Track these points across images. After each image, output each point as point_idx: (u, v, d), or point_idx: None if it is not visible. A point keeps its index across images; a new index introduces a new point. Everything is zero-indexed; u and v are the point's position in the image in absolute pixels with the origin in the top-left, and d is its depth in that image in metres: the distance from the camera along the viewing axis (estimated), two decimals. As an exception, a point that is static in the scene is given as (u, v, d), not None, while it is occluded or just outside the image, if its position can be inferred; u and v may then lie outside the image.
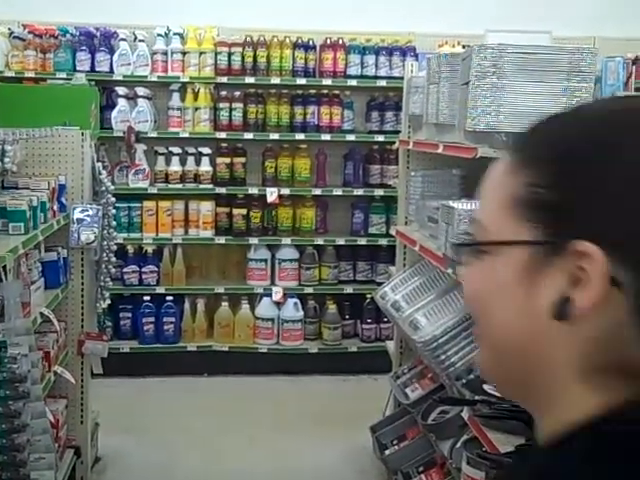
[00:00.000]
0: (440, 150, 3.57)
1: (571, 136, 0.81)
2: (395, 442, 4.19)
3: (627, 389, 0.76)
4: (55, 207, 3.95)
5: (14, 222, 3.39)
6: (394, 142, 4.87)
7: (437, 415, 3.70)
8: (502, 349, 0.82)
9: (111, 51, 5.97)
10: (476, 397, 2.81)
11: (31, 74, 5.85)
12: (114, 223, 4.54)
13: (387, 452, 4.20)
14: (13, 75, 5.84)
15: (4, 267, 2.90)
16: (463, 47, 4.76)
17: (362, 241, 6.26)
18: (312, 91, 6.21)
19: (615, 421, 0.75)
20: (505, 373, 0.84)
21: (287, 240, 6.16)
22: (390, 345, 4.93)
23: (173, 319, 6.04)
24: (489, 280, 0.82)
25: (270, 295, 6.12)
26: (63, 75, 5.77)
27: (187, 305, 6.14)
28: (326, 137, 6.12)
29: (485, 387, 2.85)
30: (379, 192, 6.22)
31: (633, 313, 0.74)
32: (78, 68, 5.85)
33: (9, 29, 5.96)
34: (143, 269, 6.03)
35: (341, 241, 6.24)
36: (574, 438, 0.77)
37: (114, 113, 5.95)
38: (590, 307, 0.75)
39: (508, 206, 0.81)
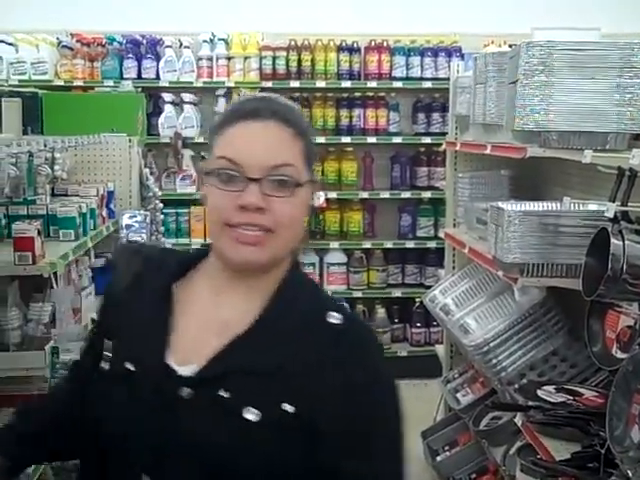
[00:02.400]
0: (488, 151, 3.52)
1: (304, 120, 1.47)
2: (446, 448, 4.14)
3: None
4: (104, 213, 3.99)
5: (64, 229, 3.43)
6: (441, 144, 4.82)
7: (489, 421, 3.64)
8: (288, 245, 1.41)
9: (157, 58, 6.01)
10: (529, 403, 2.76)
11: (79, 82, 5.92)
12: (162, 229, 4.57)
13: (438, 458, 4.15)
14: (62, 84, 5.91)
15: (55, 273, 2.93)
16: (509, 46, 4.68)
17: (410, 244, 6.21)
18: (357, 94, 6.19)
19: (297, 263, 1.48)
20: (276, 260, 1.41)
21: (335, 244, 6.14)
22: (440, 349, 4.88)
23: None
24: (299, 204, 1.40)
25: (318, 299, 6.09)
26: (110, 83, 5.83)
27: (235, 310, 6.14)
28: (372, 140, 6.09)
29: (539, 392, 2.80)
30: (427, 194, 6.17)
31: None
32: (125, 75, 5.90)
33: (58, 38, 6.04)
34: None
35: (389, 244, 6.20)
36: (298, 274, 1.48)
37: (161, 119, 5.99)
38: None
39: (302, 159, 1.40)
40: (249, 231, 1.36)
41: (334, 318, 1.38)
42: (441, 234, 4.79)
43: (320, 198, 6.02)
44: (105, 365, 1.42)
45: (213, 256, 1.46)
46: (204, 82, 6.04)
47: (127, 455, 1.35)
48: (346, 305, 1.49)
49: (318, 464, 1.32)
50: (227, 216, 1.36)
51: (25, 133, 4.37)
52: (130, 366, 1.38)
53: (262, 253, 1.37)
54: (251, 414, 1.31)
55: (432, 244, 6.11)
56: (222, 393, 1.32)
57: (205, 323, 1.41)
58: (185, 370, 1.36)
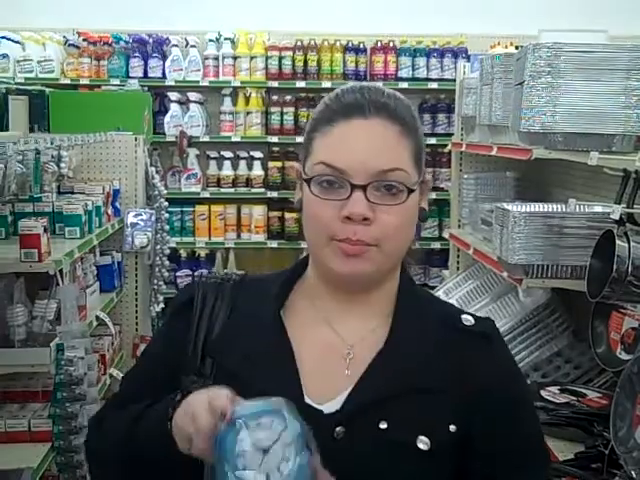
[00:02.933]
0: (494, 152, 3.52)
1: (415, 115, 1.30)
2: (449, 448, 4.15)
3: None
4: (110, 211, 4.00)
5: (70, 226, 3.45)
6: (446, 144, 4.82)
7: (492, 421, 3.65)
8: (399, 252, 1.30)
9: (163, 57, 6.03)
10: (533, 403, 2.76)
11: (86, 81, 5.94)
12: (167, 227, 4.58)
13: (441, 458, 4.15)
14: (68, 82, 5.93)
15: (60, 271, 2.94)
16: (516, 48, 4.69)
17: (415, 244, 6.20)
18: (363, 94, 6.19)
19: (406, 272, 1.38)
20: (392, 263, 1.30)
21: (339, 244, 6.13)
22: (443, 349, 4.87)
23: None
24: (408, 210, 1.26)
25: (322, 299, 6.10)
26: (117, 81, 5.85)
27: (239, 309, 6.15)
28: (377, 140, 6.09)
29: (543, 393, 2.80)
30: (431, 195, 6.16)
31: None
32: (131, 74, 5.92)
33: (64, 37, 6.06)
34: (196, 273, 6.07)
35: (393, 244, 6.19)
36: (412, 283, 1.39)
37: (167, 118, 6.00)
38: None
39: (412, 159, 1.26)
40: (355, 244, 1.22)
41: (467, 320, 1.31)
42: (446, 235, 4.79)
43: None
44: None
45: (313, 272, 1.33)
46: (210, 81, 6.06)
47: None
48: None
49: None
50: (332, 229, 1.22)
51: (32, 131, 4.39)
52: None
53: (368, 265, 1.24)
54: (423, 443, 1.20)
55: (437, 245, 6.11)
56: (382, 425, 1.20)
57: (328, 351, 1.27)
58: (329, 407, 1.22)
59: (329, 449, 1.14)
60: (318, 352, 1.27)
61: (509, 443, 1.26)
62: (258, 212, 6.12)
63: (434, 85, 6.07)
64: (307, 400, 1.22)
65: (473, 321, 1.31)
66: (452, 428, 1.22)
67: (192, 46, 6.05)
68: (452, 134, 5.07)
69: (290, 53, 6.04)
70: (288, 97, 6.11)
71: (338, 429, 1.19)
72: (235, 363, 1.26)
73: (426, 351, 1.26)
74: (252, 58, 6.06)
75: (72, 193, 3.89)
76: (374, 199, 1.22)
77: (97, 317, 3.56)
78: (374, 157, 1.22)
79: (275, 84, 6.06)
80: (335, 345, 1.27)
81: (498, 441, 1.25)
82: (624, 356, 2.65)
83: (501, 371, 1.30)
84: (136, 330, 4.22)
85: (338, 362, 1.26)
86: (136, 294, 4.22)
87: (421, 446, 1.20)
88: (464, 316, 1.31)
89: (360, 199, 1.21)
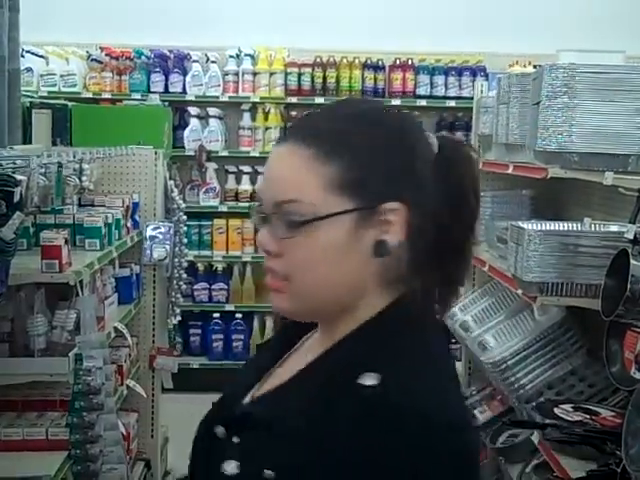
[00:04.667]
0: (510, 170, 3.54)
1: (355, 133, 1.11)
2: (463, 464, 4.14)
3: (399, 292, 1.13)
4: (129, 224, 4.04)
5: (90, 238, 3.49)
6: (463, 162, 4.84)
7: (506, 438, 3.65)
8: (330, 290, 1.12)
9: (184, 72, 6.09)
10: (547, 421, 2.77)
11: (107, 95, 6.01)
12: (185, 240, 4.61)
13: (454, 474, 4.15)
14: (90, 96, 6.02)
15: (81, 282, 2.98)
16: (534, 67, 4.72)
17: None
18: (381, 111, 6.23)
19: (392, 306, 1.12)
20: (329, 303, 1.13)
21: (355, 259, 6.16)
22: (458, 366, 4.88)
23: (242, 336, 6.10)
24: (321, 245, 1.09)
25: (337, 314, 6.12)
26: (138, 96, 5.91)
27: (256, 323, 6.19)
28: (395, 157, 6.12)
29: (556, 411, 2.81)
30: (448, 212, 6.18)
31: (410, 241, 1.10)
32: (152, 89, 5.99)
33: (87, 52, 6.15)
34: (213, 286, 6.11)
35: (409, 261, 6.21)
36: (372, 320, 1.12)
37: (186, 132, 6.07)
38: (397, 244, 1.09)
39: (331, 187, 1.08)
40: (270, 277, 1.15)
41: (369, 379, 1.04)
42: (462, 252, 4.80)
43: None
44: None
45: None
46: (230, 97, 6.12)
47: None
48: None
49: None
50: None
51: (54, 144, 4.45)
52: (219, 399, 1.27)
53: (285, 301, 1.14)
54: (231, 468, 1.09)
55: (452, 262, 6.12)
56: (234, 439, 1.13)
57: (289, 371, 1.19)
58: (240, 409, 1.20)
59: (210, 445, 1.18)
60: (285, 370, 1.21)
61: None
62: (275, 227, 6.15)
63: (452, 103, 6.10)
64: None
65: (375, 382, 1.04)
66: (268, 473, 1.05)
67: (212, 62, 6.12)
68: (469, 152, 5.09)
69: (309, 70, 6.10)
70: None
71: (219, 428, 1.17)
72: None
73: (306, 393, 1.10)
74: (272, 74, 6.12)
75: (92, 206, 3.94)
76: (280, 231, 1.10)
77: (115, 328, 3.59)
78: (270, 187, 1.13)
79: (294, 100, 6.11)
80: (295, 368, 1.18)
81: None
82: (638, 375, 2.65)
83: (351, 435, 1.02)
84: (153, 342, 4.25)
85: (280, 381, 1.19)
86: (154, 306, 4.26)
87: (228, 470, 1.10)
88: (368, 373, 1.05)
89: (263, 231, 1.14)
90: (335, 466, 1.01)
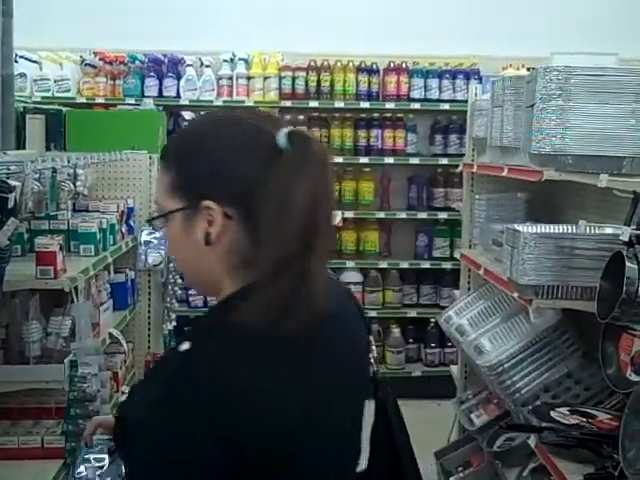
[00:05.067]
0: (505, 173, 3.54)
1: (178, 145, 1.39)
2: (460, 469, 4.15)
3: (249, 277, 1.28)
4: (124, 229, 4.03)
5: (85, 244, 3.48)
6: (458, 165, 4.85)
7: (503, 442, 3.65)
8: (191, 272, 1.39)
9: (178, 77, 6.09)
10: (543, 424, 2.76)
11: (101, 100, 6.00)
12: (180, 245, 4.60)
13: (452, 479, 4.15)
14: (84, 101, 6.00)
15: (75, 288, 2.97)
16: (528, 70, 4.72)
17: (426, 264, 6.23)
18: (375, 114, 6.24)
19: (233, 295, 1.30)
20: (197, 282, 1.42)
21: (351, 263, 6.16)
22: (454, 370, 4.88)
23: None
24: (171, 237, 1.36)
25: (333, 318, 6.12)
26: (132, 101, 5.91)
27: (251, 327, 6.18)
28: (390, 160, 6.13)
29: (553, 414, 2.81)
30: (443, 215, 6.19)
31: (243, 231, 1.29)
32: (146, 94, 5.98)
33: (81, 56, 6.14)
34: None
35: (405, 264, 6.22)
36: (219, 302, 1.33)
37: (181, 137, 6.05)
38: (218, 234, 1.29)
39: (168, 191, 1.34)
40: None
41: (185, 346, 1.24)
42: (457, 255, 4.81)
43: (336, 217, 6.06)
44: None
45: None
46: (224, 101, 6.11)
47: None
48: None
49: None
50: None
51: (48, 149, 4.44)
52: None
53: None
54: None
55: (448, 265, 6.13)
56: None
57: None
58: None
59: None
60: None
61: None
62: (270, 231, 6.14)
63: (446, 106, 6.10)
64: None
65: (187, 347, 1.25)
66: None
67: (206, 66, 6.11)
68: (463, 155, 5.10)
69: (303, 74, 6.10)
70: (301, 117, 6.16)
71: None
72: None
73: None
74: (266, 78, 6.12)
75: (87, 211, 3.93)
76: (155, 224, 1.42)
77: (110, 334, 3.58)
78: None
79: (288, 104, 6.11)
80: None
81: None
82: (634, 377, 2.65)
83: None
84: (148, 348, 4.24)
85: None
86: (149, 312, 4.25)
87: None
88: (186, 342, 1.25)
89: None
90: (148, 402, 1.23)
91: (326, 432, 1.28)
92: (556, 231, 3.20)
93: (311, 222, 1.24)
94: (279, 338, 1.23)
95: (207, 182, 1.31)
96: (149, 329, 4.26)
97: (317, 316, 1.25)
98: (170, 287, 4.37)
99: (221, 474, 1.18)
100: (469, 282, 4.56)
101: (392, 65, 6.15)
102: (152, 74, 6.06)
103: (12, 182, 2.50)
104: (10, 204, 2.43)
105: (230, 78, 6.12)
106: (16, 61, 5.05)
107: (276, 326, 1.21)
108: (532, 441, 2.82)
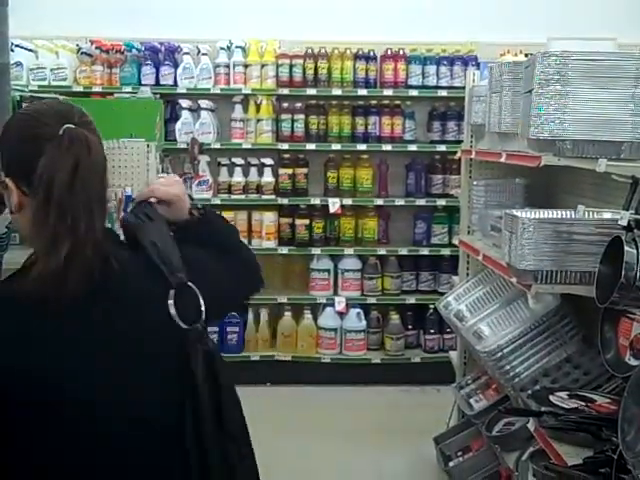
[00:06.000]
0: (503, 159, 3.55)
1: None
2: (459, 454, 4.16)
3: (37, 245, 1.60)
4: (121, 217, 4.03)
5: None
6: (456, 152, 4.85)
7: (502, 427, 3.67)
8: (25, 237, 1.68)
9: (175, 65, 6.07)
10: (542, 408, 2.78)
11: (98, 88, 5.98)
12: (178, 234, 4.59)
13: (451, 464, 4.17)
14: (81, 90, 5.98)
15: (74, 276, 2.96)
16: (525, 55, 4.71)
17: (425, 251, 6.23)
18: (373, 102, 6.22)
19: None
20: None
21: (350, 250, 6.17)
22: (453, 355, 4.90)
23: (237, 329, 6.10)
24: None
25: (333, 305, 6.14)
26: (129, 89, 5.88)
27: (250, 315, 6.19)
28: (388, 147, 6.12)
29: (552, 398, 2.82)
30: (441, 202, 6.19)
31: (37, 206, 1.55)
32: (143, 82, 5.96)
33: (77, 45, 6.12)
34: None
35: (404, 251, 6.23)
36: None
37: (178, 125, 6.05)
38: (17, 206, 1.61)
39: None
40: None
41: None
42: (455, 241, 4.82)
43: (335, 205, 6.06)
44: None
45: None
46: (221, 89, 6.10)
47: None
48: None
49: None
50: None
51: (45, 138, 4.42)
52: None
53: None
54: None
55: (446, 251, 6.13)
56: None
57: None
58: None
59: None
60: None
61: None
62: (269, 218, 6.15)
63: (444, 93, 6.09)
64: None
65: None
66: None
67: (203, 54, 6.09)
68: (461, 141, 5.10)
69: (301, 61, 6.08)
70: (298, 104, 6.15)
71: None
72: None
73: None
74: (263, 66, 6.10)
75: (85, 200, 3.92)
76: None
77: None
78: None
79: (286, 92, 6.10)
80: None
81: None
82: (633, 362, 2.66)
83: None
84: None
85: None
86: (148, 300, 4.25)
87: None
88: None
89: None
90: None
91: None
92: (555, 216, 3.20)
93: (74, 201, 1.54)
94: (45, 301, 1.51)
95: (6, 164, 1.63)
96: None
97: (87, 283, 1.52)
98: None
99: None
100: (468, 268, 4.57)
101: (389, 52, 6.13)
102: (149, 62, 6.04)
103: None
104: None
105: (227, 66, 6.10)
106: (12, 50, 5.02)
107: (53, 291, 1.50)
108: (531, 425, 2.83)
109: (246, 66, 6.11)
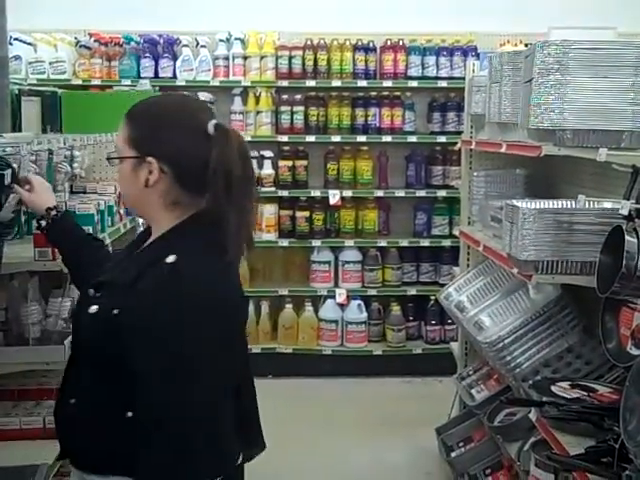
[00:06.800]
0: (503, 149, 3.54)
1: (142, 111, 1.88)
2: (461, 444, 4.17)
3: (184, 213, 1.86)
4: (122, 211, 4.02)
5: (83, 226, 3.44)
6: (456, 142, 4.83)
7: (504, 417, 3.66)
8: (132, 203, 1.98)
9: (174, 57, 6.06)
10: (544, 398, 2.77)
11: (97, 81, 5.97)
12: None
13: (453, 454, 4.17)
14: (80, 83, 5.97)
15: (74, 270, 2.95)
16: (525, 45, 4.70)
17: (425, 242, 6.23)
18: (373, 93, 6.21)
19: (183, 222, 1.86)
20: (137, 211, 2.00)
21: (350, 242, 6.16)
22: (455, 346, 4.90)
23: (237, 321, 6.10)
24: (122, 174, 1.88)
25: (334, 297, 6.14)
26: (128, 82, 5.88)
27: (251, 307, 6.18)
28: (387, 139, 6.11)
29: (553, 388, 2.82)
30: (442, 193, 6.18)
31: (172, 181, 1.83)
32: (142, 75, 5.95)
33: (76, 38, 6.11)
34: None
35: (404, 243, 6.22)
36: (168, 231, 1.86)
37: (178, 118, 6.03)
38: (155, 181, 1.82)
39: (125, 141, 1.85)
40: None
41: (170, 259, 1.76)
42: (456, 232, 4.81)
43: (335, 196, 6.05)
44: None
45: None
46: (220, 81, 6.09)
47: None
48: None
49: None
50: None
51: (44, 131, 4.42)
52: None
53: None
54: (92, 309, 1.84)
55: (447, 242, 6.13)
56: (96, 294, 1.87)
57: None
58: None
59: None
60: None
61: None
62: (269, 211, 6.14)
63: (444, 83, 6.07)
64: None
65: (173, 259, 1.76)
66: (115, 311, 1.77)
67: (202, 46, 6.08)
68: (461, 132, 5.08)
69: (300, 53, 6.06)
70: (298, 96, 6.14)
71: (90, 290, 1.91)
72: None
73: (138, 268, 1.81)
74: (262, 58, 6.08)
75: (84, 193, 3.91)
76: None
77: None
78: None
79: (285, 83, 6.08)
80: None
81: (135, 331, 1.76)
82: (634, 351, 2.65)
83: (154, 285, 1.76)
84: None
85: None
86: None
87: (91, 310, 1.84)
88: (172, 255, 1.76)
89: None
90: (145, 307, 1.74)
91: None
92: (555, 206, 3.20)
93: (229, 185, 1.77)
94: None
95: (153, 144, 1.82)
96: (149, 310, 4.25)
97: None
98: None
99: None
100: (468, 259, 4.56)
101: (389, 43, 6.12)
102: (148, 55, 6.02)
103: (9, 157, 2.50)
104: (7, 181, 2.42)
105: (226, 58, 6.09)
106: (10, 43, 5.02)
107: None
108: (533, 415, 2.83)
109: (245, 58, 6.09)
